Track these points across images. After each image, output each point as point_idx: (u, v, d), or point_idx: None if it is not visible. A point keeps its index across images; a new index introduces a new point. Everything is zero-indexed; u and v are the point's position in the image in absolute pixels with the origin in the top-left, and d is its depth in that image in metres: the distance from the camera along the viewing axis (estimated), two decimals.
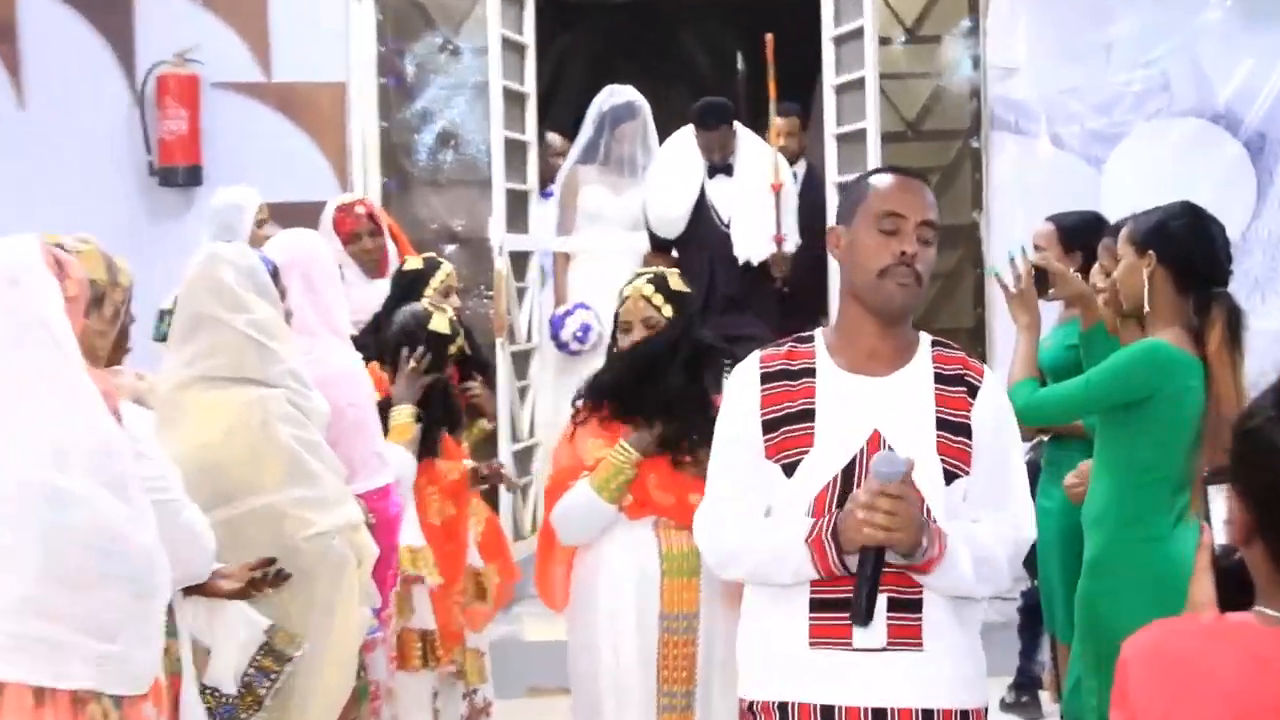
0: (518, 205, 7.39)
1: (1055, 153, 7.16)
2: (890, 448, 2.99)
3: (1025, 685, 6.14)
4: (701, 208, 7.30)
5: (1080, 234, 5.11)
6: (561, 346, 7.30)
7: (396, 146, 7.38)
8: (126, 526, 2.74)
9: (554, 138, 8.32)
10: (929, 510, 2.97)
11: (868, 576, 2.90)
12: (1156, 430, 3.98)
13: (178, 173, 7.14)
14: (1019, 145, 7.20)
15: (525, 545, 7.06)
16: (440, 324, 4.83)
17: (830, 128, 7.46)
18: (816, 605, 3.02)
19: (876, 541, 2.88)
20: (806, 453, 3.03)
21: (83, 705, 2.73)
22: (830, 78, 7.47)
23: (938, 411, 3.06)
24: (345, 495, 3.71)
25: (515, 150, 7.34)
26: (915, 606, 3.01)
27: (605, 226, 7.48)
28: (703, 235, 7.28)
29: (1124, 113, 7.13)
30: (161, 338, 5.23)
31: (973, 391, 3.09)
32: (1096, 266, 4.56)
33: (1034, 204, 6.53)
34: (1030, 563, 4.53)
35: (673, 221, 7.32)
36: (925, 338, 3.18)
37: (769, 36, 7.13)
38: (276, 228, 5.86)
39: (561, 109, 9.29)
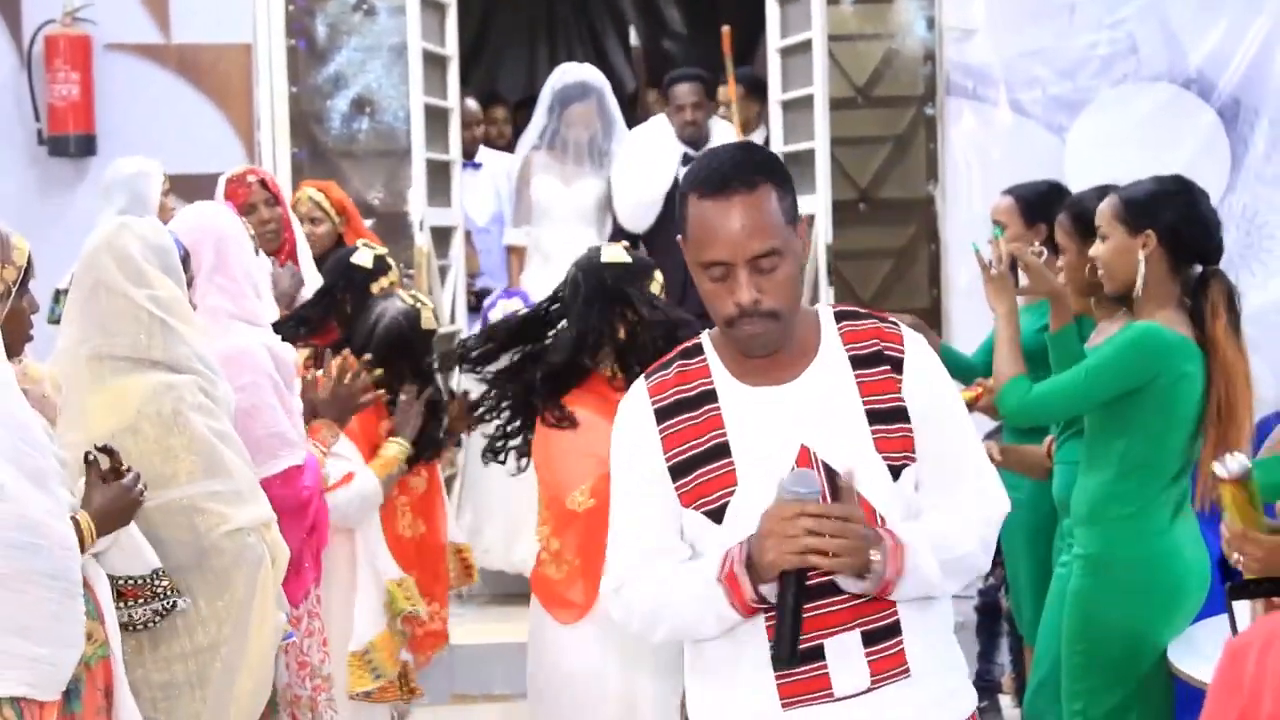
0: (439, 177, 7.20)
1: (1015, 120, 6.99)
2: (823, 462, 2.67)
3: (984, 689, 5.99)
4: (674, 199, 6.92)
5: (1042, 206, 5.01)
6: None
7: (307, 114, 7.17)
8: (50, 521, 2.63)
9: (471, 104, 8.09)
10: (883, 521, 2.68)
11: (790, 607, 2.60)
12: (1152, 419, 3.94)
13: (69, 141, 6.94)
14: (977, 112, 7.03)
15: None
16: (429, 321, 4.76)
17: (775, 94, 7.25)
18: (783, 662, 2.67)
19: (794, 564, 2.57)
20: (732, 493, 2.70)
21: None
22: (775, 40, 7.24)
23: (865, 403, 2.72)
24: (258, 491, 3.55)
25: (436, 118, 7.13)
26: (893, 632, 2.71)
27: (554, 223, 7.21)
28: (674, 230, 6.88)
29: (1089, 77, 6.96)
30: (57, 320, 5.05)
31: (897, 366, 2.75)
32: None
33: (993, 175, 6.42)
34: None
35: (640, 209, 7.04)
36: (826, 314, 2.81)
37: (726, 29, 6.94)
38: (180, 201, 5.74)
39: (484, 73, 9.07)
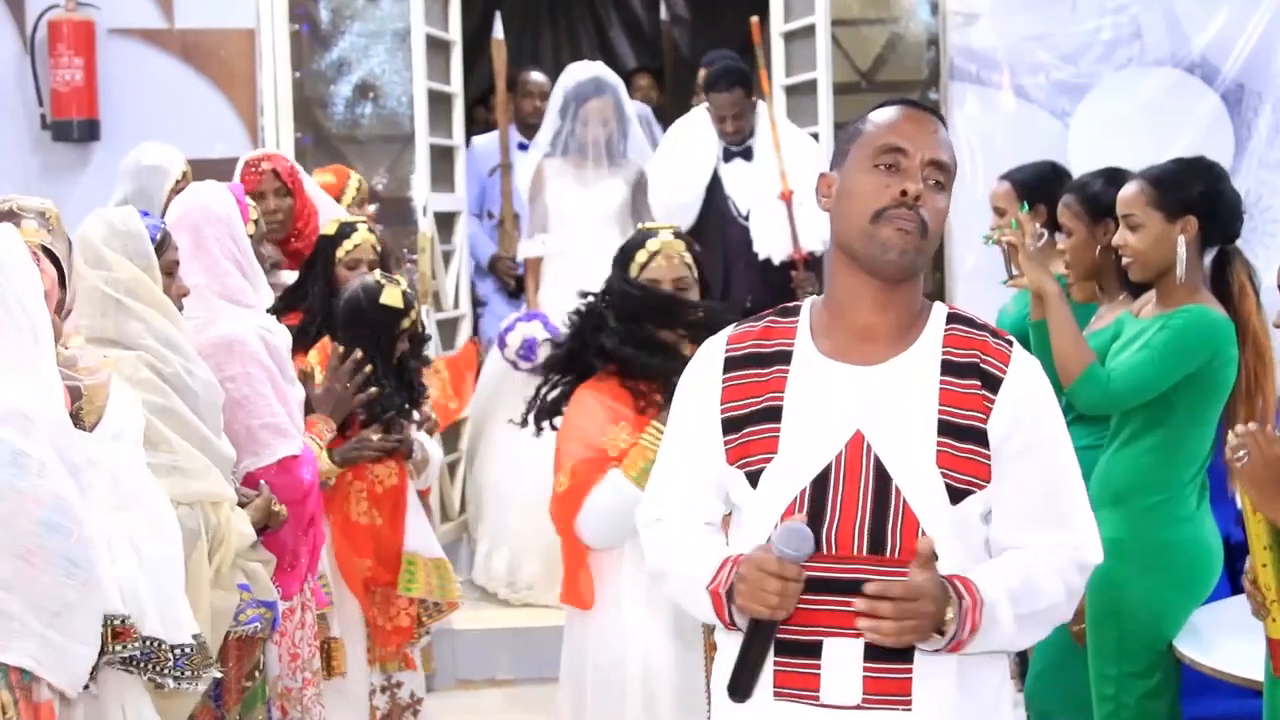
0: (443, 162, 7.16)
1: (1019, 105, 6.94)
2: (877, 454, 2.56)
3: None
4: (716, 196, 6.85)
5: (1039, 188, 4.95)
6: (513, 363, 6.72)
7: (310, 99, 7.13)
8: (80, 510, 2.63)
9: (537, 76, 7.88)
10: (964, 585, 2.53)
11: (751, 650, 2.56)
12: (1196, 403, 3.93)
13: (73, 126, 6.90)
14: (980, 97, 6.97)
15: (453, 528, 6.89)
16: (393, 297, 4.53)
17: (778, 78, 7.25)
18: (783, 648, 2.58)
19: (754, 614, 2.53)
20: (770, 460, 2.60)
21: None
22: (778, 24, 7.25)
23: (941, 412, 2.57)
24: (206, 470, 3.50)
25: (439, 103, 7.10)
26: (902, 656, 2.55)
27: (573, 229, 6.87)
28: (716, 229, 6.78)
29: (1092, 62, 6.90)
30: None
31: (991, 385, 2.58)
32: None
33: (997, 159, 6.30)
34: None
35: (680, 209, 6.75)
36: (940, 311, 2.68)
37: (755, 20, 6.84)
38: None
39: (487, 59, 9.01)
